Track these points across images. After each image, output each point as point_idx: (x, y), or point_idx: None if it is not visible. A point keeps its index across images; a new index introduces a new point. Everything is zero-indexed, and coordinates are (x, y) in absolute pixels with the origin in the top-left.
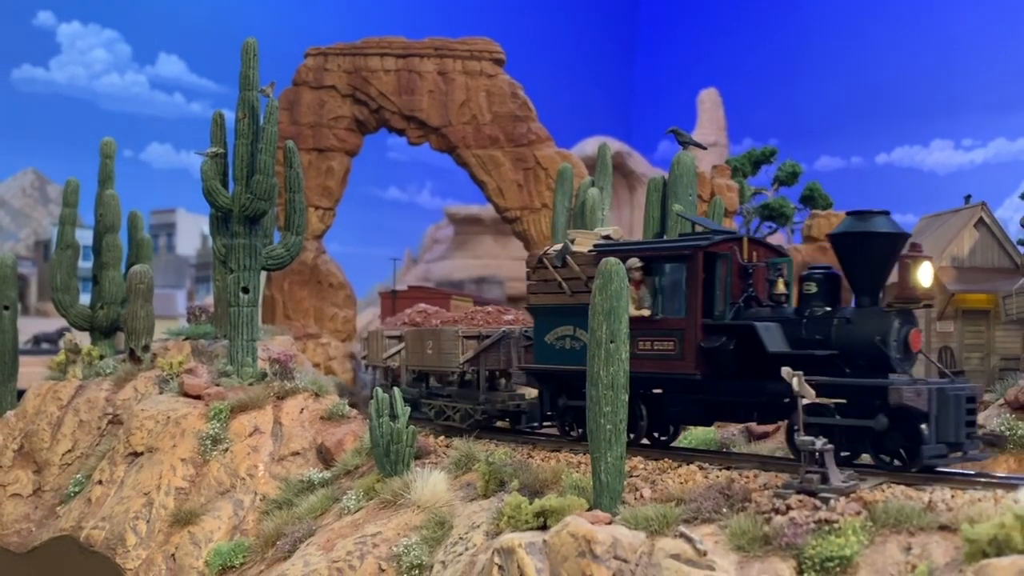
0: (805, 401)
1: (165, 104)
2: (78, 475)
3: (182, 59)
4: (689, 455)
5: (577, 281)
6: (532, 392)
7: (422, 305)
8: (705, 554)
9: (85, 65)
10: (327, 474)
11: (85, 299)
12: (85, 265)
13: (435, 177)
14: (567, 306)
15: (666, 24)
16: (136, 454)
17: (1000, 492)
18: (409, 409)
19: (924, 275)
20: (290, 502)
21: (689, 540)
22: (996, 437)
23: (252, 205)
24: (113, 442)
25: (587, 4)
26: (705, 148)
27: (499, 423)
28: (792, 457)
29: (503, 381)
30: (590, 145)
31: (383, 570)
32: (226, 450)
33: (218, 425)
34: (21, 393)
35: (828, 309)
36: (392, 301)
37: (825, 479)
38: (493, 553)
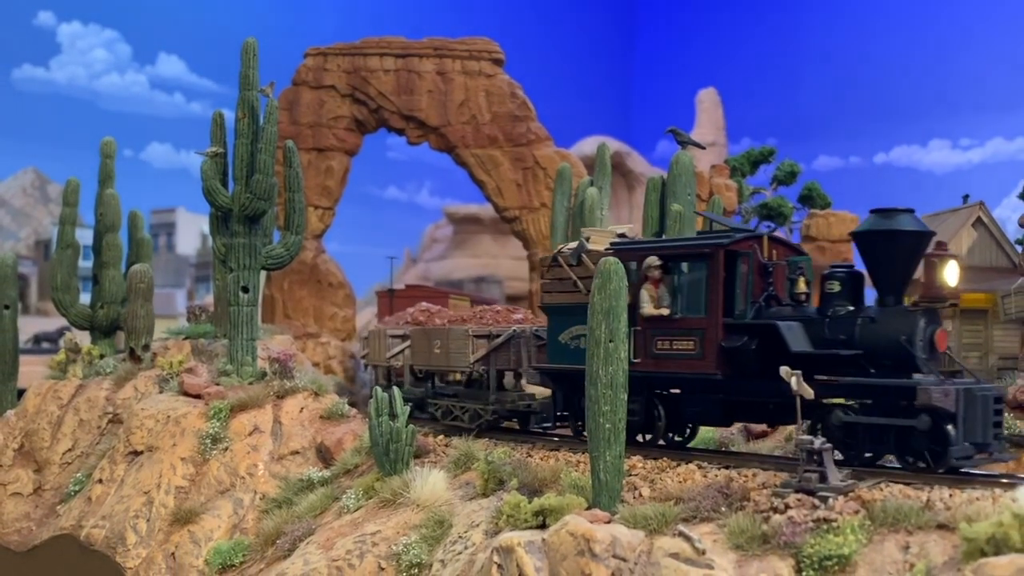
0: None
1: (165, 104)
2: (78, 474)
3: (182, 59)
4: (688, 454)
5: (593, 280)
6: (540, 392)
7: (425, 304)
8: (704, 553)
9: (85, 65)
10: (327, 473)
11: (85, 298)
12: (85, 264)
13: (434, 177)
14: (582, 305)
15: (665, 24)
16: (136, 453)
17: (998, 491)
18: (408, 408)
19: (950, 274)
20: (290, 501)
21: (688, 539)
22: (1022, 438)
23: (252, 205)
24: (113, 441)
25: (586, 4)
26: (704, 148)
27: (502, 424)
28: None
29: (514, 381)
30: (589, 145)
31: (382, 569)
32: (226, 449)
33: (218, 424)
34: (21, 392)
35: (851, 308)
36: (389, 300)
37: (823, 478)
38: (492, 552)
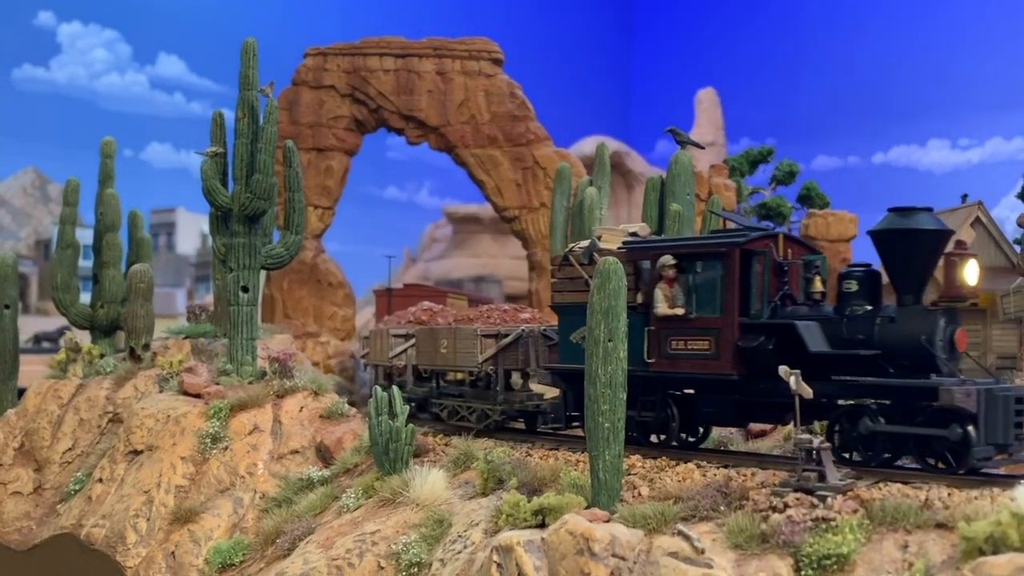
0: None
1: (165, 104)
2: (78, 473)
3: (182, 59)
4: (687, 453)
5: None
6: (549, 391)
7: (427, 303)
8: (703, 552)
9: (85, 65)
10: (326, 472)
11: (85, 298)
12: (85, 264)
13: (434, 176)
14: None
15: (664, 24)
16: (136, 452)
17: (996, 490)
18: (408, 408)
19: (971, 273)
20: (289, 500)
21: (687, 538)
22: None
23: (252, 204)
24: (113, 440)
25: (585, 4)
26: (703, 147)
27: (506, 424)
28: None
29: (521, 381)
30: (588, 144)
31: (382, 568)
32: (226, 448)
33: (218, 423)
34: (22, 391)
35: (869, 308)
36: (387, 299)
37: (822, 477)
38: (492, 551)
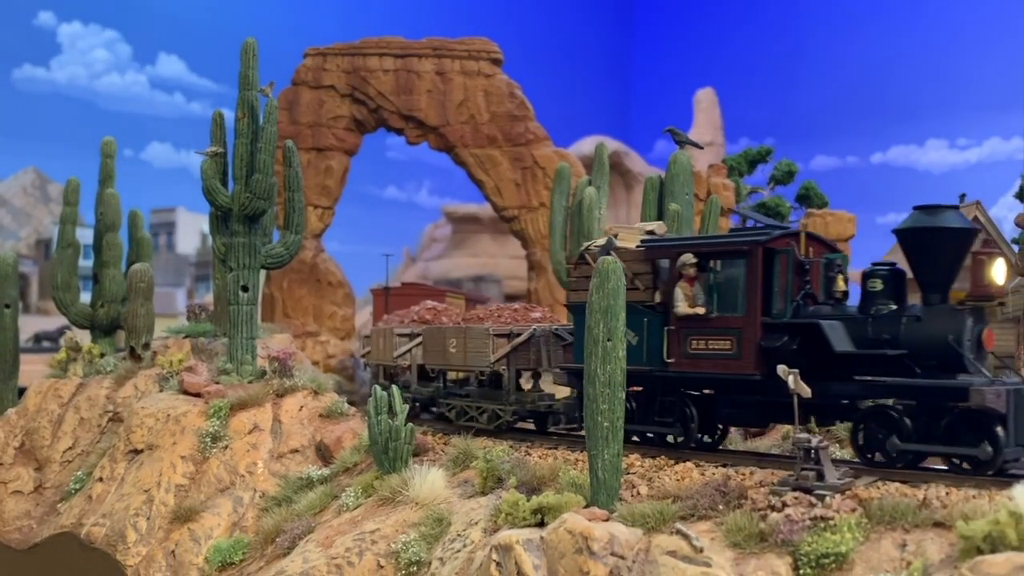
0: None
1: (165, 104)
2: (79, 472)
3: (182, 59)
4: (685, 453)
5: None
6: (560, 391)
7: (431, 302)
8: (701, 551)
9: (86, 65)
10: (326, 471)
11: (86, 297)
12: (86, 264)
13: (433, 176)
14: None
15: (663, 24)
16: (136, 451)
17: (994, 489)
18: (407, 407)
19: (999, 272)
20: (289, 499)
21: (686, 537)
22: None
23: (251, 204)
24: (113, 439)
25: (584, 5)
26: (701, 147)
27: (510, 425)
28: (859, 460)
29: (532, 381)
30: (587, 144)
31: (381, 567)
32: (226, 447)
33: (218, 423)
34: (22, 391)
35: (894, 307)
36: (385, 298)
37: (821, 476)
38: (491, 550)
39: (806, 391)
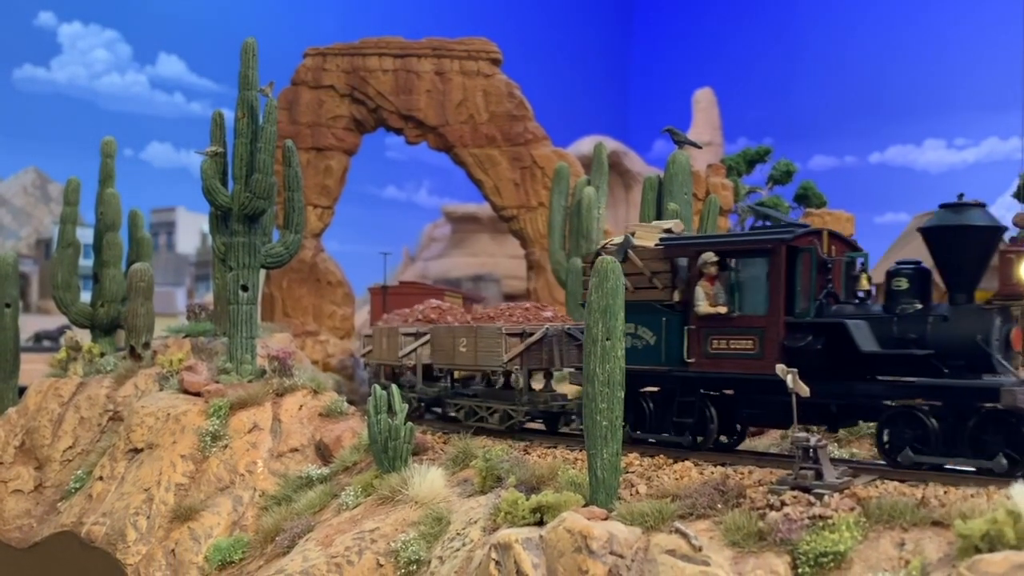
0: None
1: (165, 104)
2: (79, 471)
3: (182, 59)
4: (684, 452)
5: (640, 277)
6: (571, 391)
7: (435, 301)
8: (700, 549)
9: (86, 65)
10: (325, 470)
11: (86, 297)
12: (86, 263)
13: (433, 176)
14: (628, 303)
15: (662, 24)
16: (136, 450)
17: (992, 488)
18: (409, 407)
19: None
20: (289, 498)
21: (684, 536)
22: None
23: (251, 204)
24: (114, 438)
25: (583, 5)
26: (700, 147)
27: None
28: (884, 461)
29: (545, 381)
30: (586, 144)
31: (381, 565)
32: (225, 447)
33: (218, 422)
34: (23, 390)
35: (920, 306)
36: (383, 297)
37: (819, 475)
38: (490, 549)
39: (804, 390)
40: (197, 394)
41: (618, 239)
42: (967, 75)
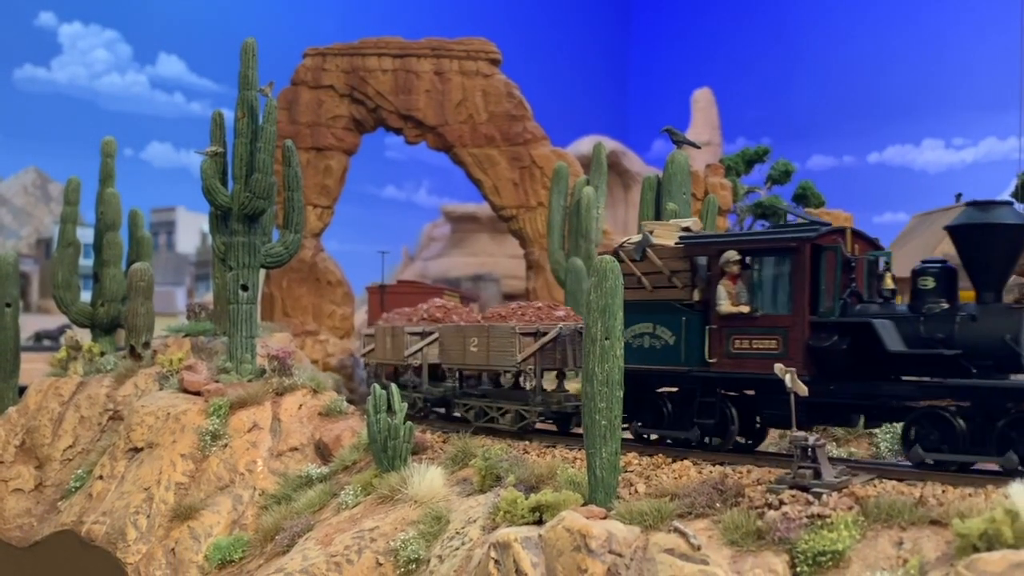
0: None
1: (165, 104)
2: (79, 470)
3: (182, 59)
4: (683, 451)
5: (659, 276)
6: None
7: (439, 300)
8: (699, 548)
9: (86, 65)
10: (325, 469)
11: (86, 296)
12: (86, 263)
13: (432, 176)
14: (646, 302)
15: (661, 24)
16: (136, 450)
17: (990, 487)
18: (406, 405)
19: None
20: (288, 497)
21: (683, 535)
22: None
23: (251, 203)
24: (114, 438)
25: (582, 5)
26: (699, 147)
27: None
28: (909, 463)
29: (557, 381)
30: (585, 144)
31: (380, 564)
32: (225, 446)
33: (217, 421)
34: (23, 389)
35: (946, 306)
36: (381, 296)
37: (818, 474)
38: (489, 547)
39: (803, 389)
40: (197, 393)
41: (636, 238)
42: (965, 75)
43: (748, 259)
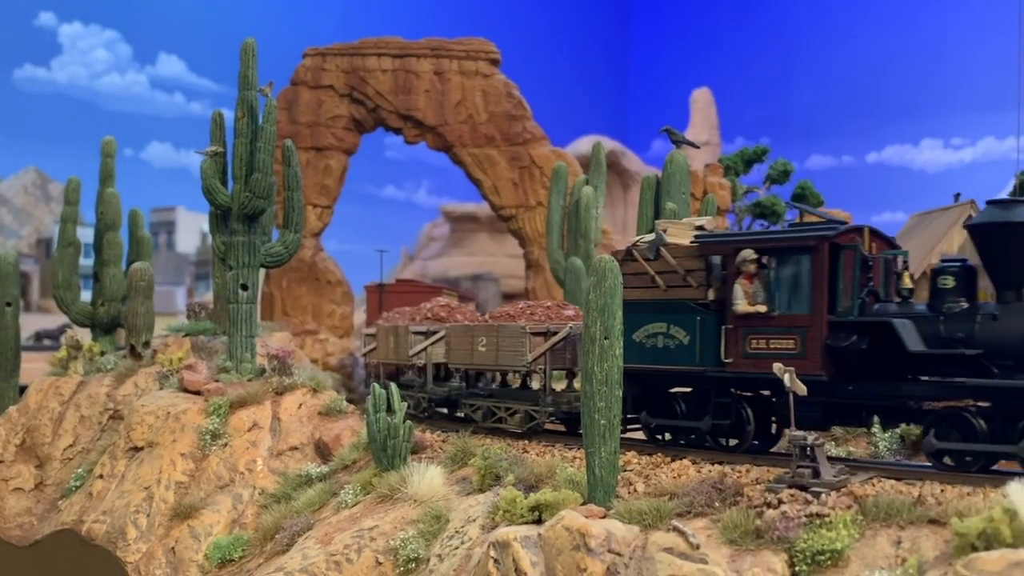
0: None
1: (165, 104)
2: (79, 469)
3: (182, 59)
4: (682, 450)
5: (673, 275)
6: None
7: (443, 299)
8: (698, 547)
9: (86, 65)
10: (325, 469)
11: (86, 296)
12: (86, 262)
13: (431, 175)
14: (660, 301)
15: (660, 24)
16: (136, 449)
17: (988, 486)
18: (405, 405)
19: None
20: (288, 496)
21: (682, 534)
22: None
23: (251, 203)
24: (114, 437)
25: (582, 5)
26: (698, 147)
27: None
28: (930, 463)
29: (567, 380)
30: (584, 144)
31: (380, 563)
32: (225, 445)
33: (217, 420)
34: (23, 389)
35: (966, 305)
36: (379, 295)
37: (816, 473)
38: (489, 547)
39: (802, 389)
40: (197, 393)
41: (649, 236)
42: (964, 75)
43: (765, 258)
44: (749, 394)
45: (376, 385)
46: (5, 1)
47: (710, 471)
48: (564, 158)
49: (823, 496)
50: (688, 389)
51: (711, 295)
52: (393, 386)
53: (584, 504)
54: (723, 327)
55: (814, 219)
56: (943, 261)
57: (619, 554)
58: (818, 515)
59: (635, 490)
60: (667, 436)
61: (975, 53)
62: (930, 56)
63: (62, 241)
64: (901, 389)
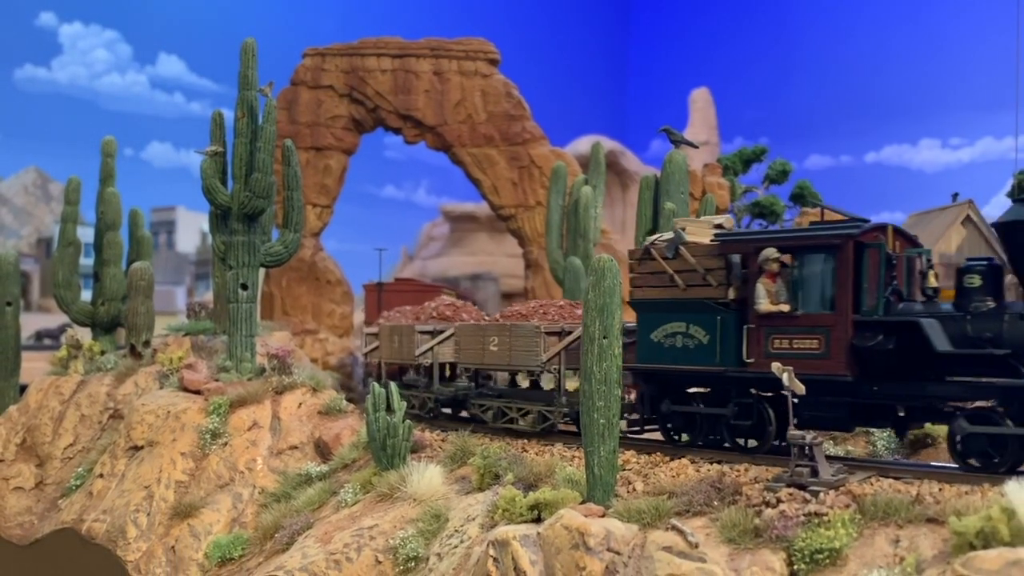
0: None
1: (165, 103)
2: (79, 469)
3: (182, 59)
4: (681, 449)
5: (692, 274)
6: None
7: (447, 298)
8: (697, 546)
9: (86, 65)
10: (325, 468)
11: (86, 295)
12: (86, 262)
13: (431, 175)
14: (679, 301)
15: (659, 24)
16: (137, 448)
17: (987, 485)
18: (405, 404)
19: None
20: (288, 495)
21: (681, 532)
22: None
23: (251, 203)
24: (114, 436)
25: (581, 5)
26: (697, 147)
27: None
28: (957, 465)
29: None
30: (583, 144)
31: (380, 562)
32: (225, 444)
33: (217, 419)
34: (24, 388)
35: (992, 304)
36: (378, 294)
37: (815, 473)
38: (488, 545)
39: (800, 388)
40: (197, 392)
41: (668, 235)
42: (962, 75)
43: (787, 256)
44: (770, 394)
45: (376, 384)
46: (5, 1)
47: (709, 470)
48: (563, 158)
49: (821, 495)
50: (706, 389)
51: (732, 294)
52: (393, 385)
53: (583, 503)
54: (744, 326)
55: (837, 217)
56: (969, 260)
57: (618, 553)
58: (816, 514)
59: (634, 489)
60: (684, 437)
61: (973, 53)
62: (928, 56)
63: (62, 241)
64: (927, 389)
